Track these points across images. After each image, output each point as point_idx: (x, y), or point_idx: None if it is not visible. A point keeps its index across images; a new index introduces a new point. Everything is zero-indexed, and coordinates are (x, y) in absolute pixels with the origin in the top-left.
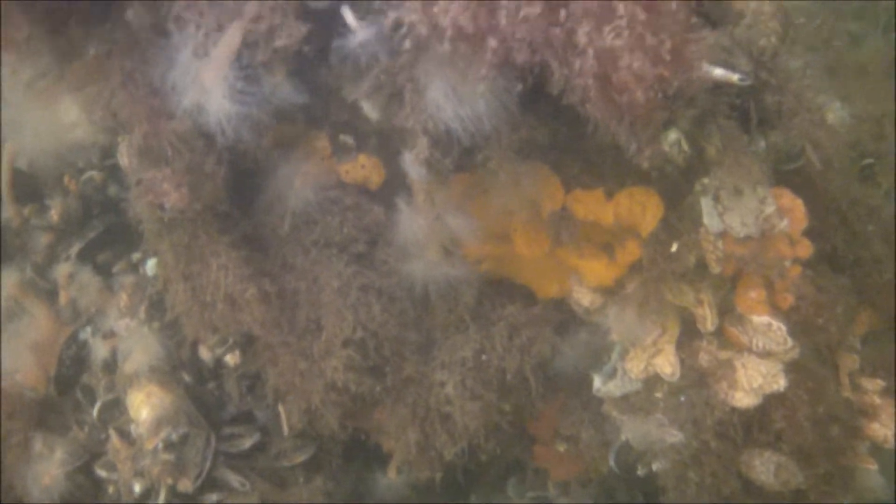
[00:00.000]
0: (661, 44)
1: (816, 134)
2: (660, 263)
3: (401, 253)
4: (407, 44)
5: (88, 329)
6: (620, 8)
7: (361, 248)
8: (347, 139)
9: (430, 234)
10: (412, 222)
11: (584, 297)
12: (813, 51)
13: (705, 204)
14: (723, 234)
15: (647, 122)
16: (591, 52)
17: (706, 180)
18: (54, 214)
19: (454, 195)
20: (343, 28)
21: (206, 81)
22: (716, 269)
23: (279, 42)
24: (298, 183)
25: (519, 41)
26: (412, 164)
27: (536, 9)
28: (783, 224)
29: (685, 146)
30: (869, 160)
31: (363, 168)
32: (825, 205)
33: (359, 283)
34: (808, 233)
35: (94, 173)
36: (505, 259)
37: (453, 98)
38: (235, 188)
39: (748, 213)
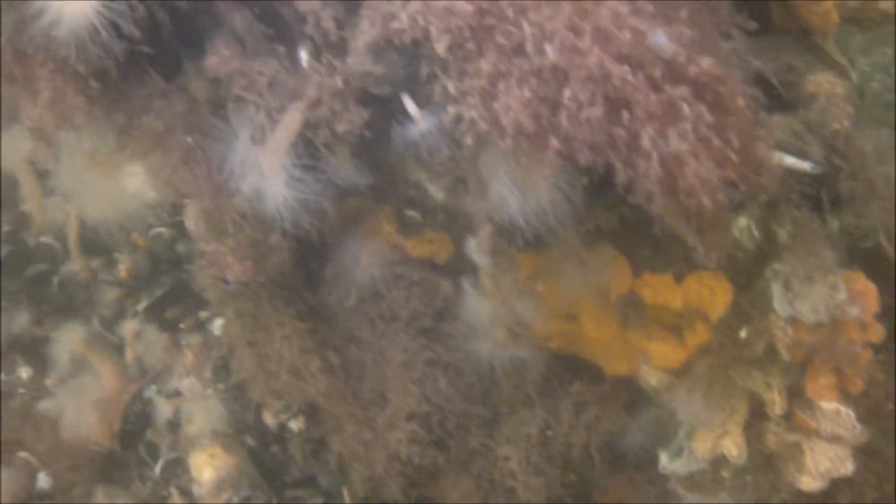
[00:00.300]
0: (729, 145)
1: (889, 221)
2: (729, 349)
3: (467, 331)
4: (468, 140)
5: (154, 387)
6: (686, 109)
7: (428, 323)
8: (414, 214)
9: (495, 317)
10: (478, 305)
11: (651, 377)
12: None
13: (776, 290)
14: (793, 321)
15: (714, 224)
16: (655, 156)
17: (777, 266)
18: (122, 270)
19: (521, 278)
20: (404, 115)
21: (265, 167)
22: (785, 355)
23: (340, 127)
24: (364, 258)
25: (581, 142)
26: (476, 251)
27: (599, 111)
28: (854, 311)
29: (755, 232)
30: None
31: (430, 243)
32: None
33: (425, 357)
34: (881, 314)
35: (162, 229)
36: (573, 336)
37: (516, 192)
38: (301, 260)
39: (819, 300)
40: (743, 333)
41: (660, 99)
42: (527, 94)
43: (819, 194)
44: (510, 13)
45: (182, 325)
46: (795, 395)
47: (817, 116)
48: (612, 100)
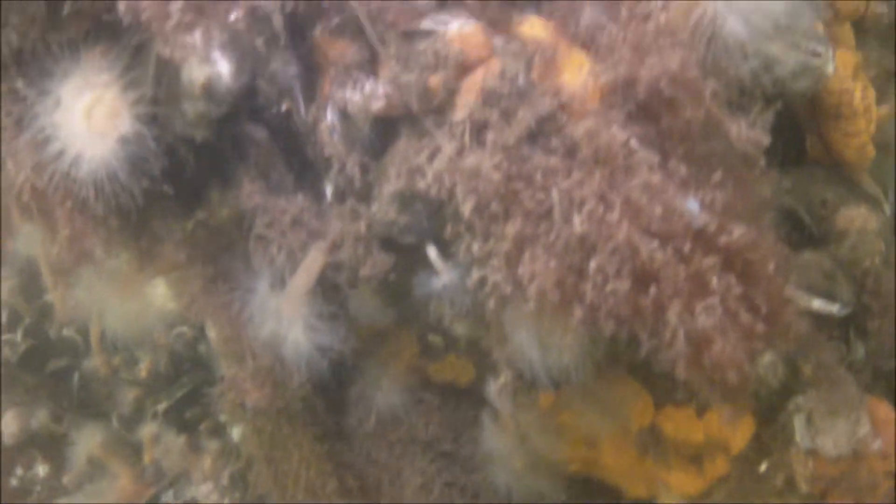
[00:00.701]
0: (757, 314)
1: None
2: (747, 483)
3: (485, 458)
4: (491, 303)
5: (171, 492)
6: (714, 282)
7: (447, 447)
8: (437, 339)
9: (513, 450)
10: (496, 437)
11: (670, 501)
12: None
13: (798, 424)
14: (813, 454)
15: (738, 392)
16: (681, 333)
17: (800, 400)
18: (143, 370)
19: (541, 412)
20: (428, 265)
21: (285, 313)
22: (805, 488)
23: (364, 272)
24: (385, 384)
25: (605, 313)
26: (496, 395)
27: (625, 284)
28: (876, 444)
29: (780, 370)
30: None
31: (452, 368)
32: None
33: (443, 479)
34: None
35: (184, 328)
36: (592, 462)
37: (538, 348)
38: (322, 383)
39: (841, 434)
40: (763, 467)
41: (688, 272)
42: (552, 263)
43: (847, 332)
44: (539, 178)
45: (201, 427)
46: None
47: (848, 253)
48: (640, 273)
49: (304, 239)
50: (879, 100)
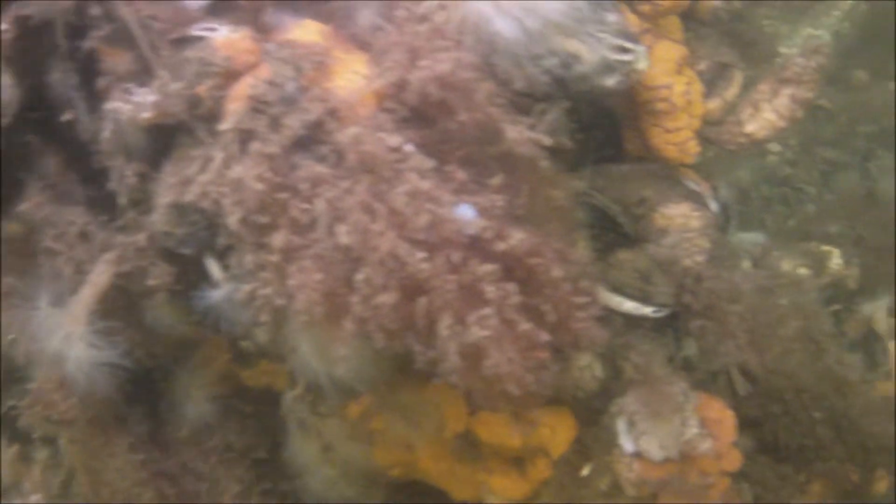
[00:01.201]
0: (541, 322)
1: (743, 358)
2: (570, 487)
3: (297, 469)
4: (263, 317)
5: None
6: (489, 292)
7: (263, 455)
8: (249, 345)
9: (322, 460)
10: (304, 448)
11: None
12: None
13: (620, 426)
14: (639, 457)
15: (528, 404)
16: (452, 346)
17: (622, 401)
18: None
19: (350, 418)
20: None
21: (68, 328)
22: (630, 491)
23: (151, 282)
24: (196, 392)
25: (376, 326)
26: (292, 403)
27: (392, 298)
28: (706, 445)
29: (597, 371)
30: (837, 307)
31: (266, 374)
32: (768, 392)
33: (261, 487)
34: (749, 423)
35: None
36: (414, 466)
37: (321, 360)
38: (134, 391)
39: (667, 436)
40: (585, 471)
41: (460, 282)
42: (318, 275)
43: (676, 329)
44: (305, 188)
45: (35, 435)
46: None
47: (668, 252)
48: (408, 285)
49: (91, 251)
50: (712, 93)
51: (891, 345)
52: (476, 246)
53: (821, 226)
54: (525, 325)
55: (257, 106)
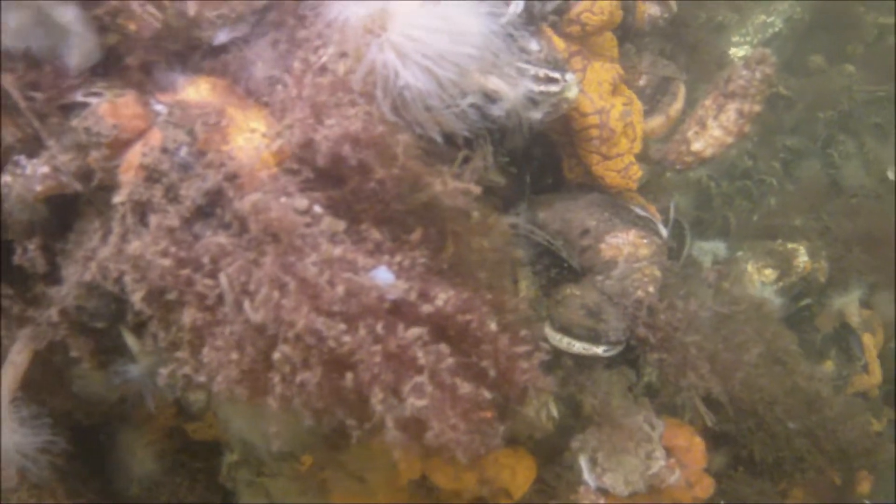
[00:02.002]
0: (482, 381)
1: (707, 387)
2: None
3: None
4: (190, 395)
5: None
6: (420, 357)
7: None
8: (197, 398)
9: None
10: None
11: None
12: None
13: (583, 463)
14: (605, 493)
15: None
16: (389, 421)
17: (583, 437)
18: None
19: (296, 479)
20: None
21: None
22: None
23: (72, 353)
24: (140, 450)
25: (302, 404)
26: (229, 472)
27: (315, 375)
28: (674, 477)
29: (553, 410)
30: (808, 301)
31: (212, 427)
32: (739, 409)
33: None
34: (722, 439)
35: None
36: None
37: (252, 431)
38: (79, 450)
39: (632, 471)
40: None
41: (387, 351)
42: (233, 354)
43: (637, 359)
44: (208, 262)
45: None
46: None
47: (617, 285)
48: (331, 360)
49: (9, 326)
50: (655, 109)
51: (866, 337)
52: (400, 310)
53: (785, 219)
54: (464, 388)
55: (151, 175)
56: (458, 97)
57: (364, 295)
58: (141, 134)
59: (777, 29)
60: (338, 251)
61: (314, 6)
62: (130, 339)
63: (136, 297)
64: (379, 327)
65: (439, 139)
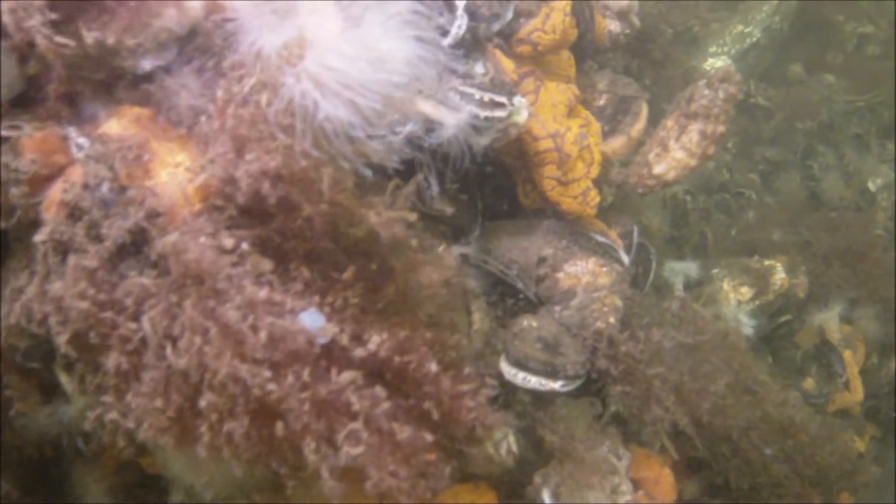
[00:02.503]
0: (423, 423)
1: (672, 419)
2: None
3: None
4: (119, 442)
5: None
6: (354, 403)
7: None
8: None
9: None
10: None
11: None
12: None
13: (546, 499)
14: None
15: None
16: (324, 472)
17: (545, 471)
18: None
19: None
20: None
21: None
22: None
23: (7, 393)
24: (93, 483)
25: (230, 454)
26: None
27: (242, 424)
28: None
29: (513, 445)
30: (787, 317)
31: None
32: (713, 436)
33: None
34: (695, 466)
35: None
36: None
37: (192, 475)
38: (31, 484)
39: None
40: None
41: (318, 398)
42: (158, 401)
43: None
44: (130, 304)
45: None
46: None
47: (576, 316)
48: (259, 409)
49: None
50: (616, 130)
51: (847, 354)
52: (332, 354)
53: (764, 233)
54: (404, 432)
55: (73, 212)
56: (385, 126)
57: (290, 340)
58: (62, 169)
59: (755, 39)
60: (263, 293)
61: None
62: (65, 380)
63: (61, 340)
64: (306, 374)
65: (368, 172)
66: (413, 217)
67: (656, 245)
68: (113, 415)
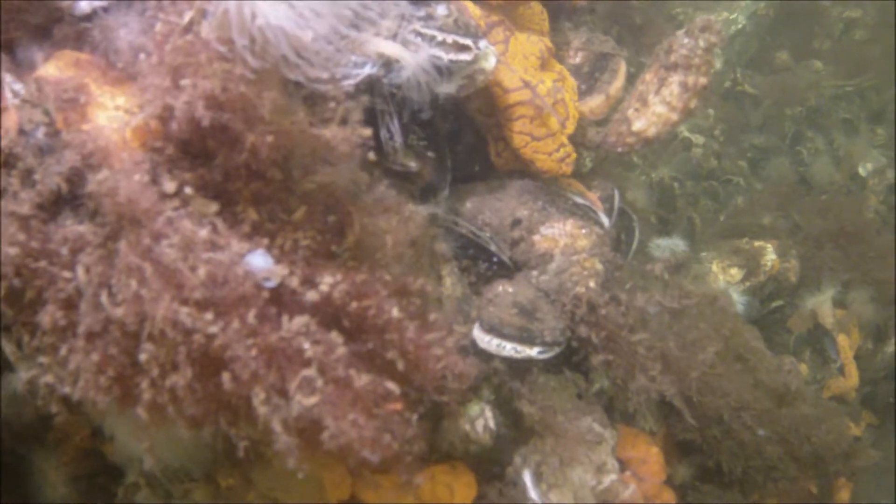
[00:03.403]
0: (386, 371)
1: (659, 389)
2: None
3: None
4: (52, 407)
5: None
6: (307, 349)
7: None
8: None
9: None
10: None
11: None
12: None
13: (527, 479)
14: None
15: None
16: (276, 425)
17: (525, 450)
18: None
19: (220, 495)
20: None
21: None
22: None
23: None
24: (53, 472)
25: (177, 412)
26: (127, 497)
27: (184, 377)
28: (629, 492)
29: (490, 422)
30: (779, 302)
31: None
32: (703, 416)
33: None
34: (686, 449)
35: None
36: None
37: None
38: None
39: (581, 487)
40: None
41: (267, 345)
42: (94, 357)
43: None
44: (66, 252)
45: None
46: None
47: (554, 280)
48: (203, 359)
49: None
50: (593, 89)
51: (841, 338)
52: (282, 299)
53: (753, 218)
54: (361, 379)
55: (7, 159)
56: (341, 69)
57: (235, 282)
58: None
59: (741, 25)
60: (203, 233)
61: None
62: (7, 348)
63: None
64: (252, 317)
65: (318, 87)
66: (367, 133)
67: (641, 224)
68: (48, 378)
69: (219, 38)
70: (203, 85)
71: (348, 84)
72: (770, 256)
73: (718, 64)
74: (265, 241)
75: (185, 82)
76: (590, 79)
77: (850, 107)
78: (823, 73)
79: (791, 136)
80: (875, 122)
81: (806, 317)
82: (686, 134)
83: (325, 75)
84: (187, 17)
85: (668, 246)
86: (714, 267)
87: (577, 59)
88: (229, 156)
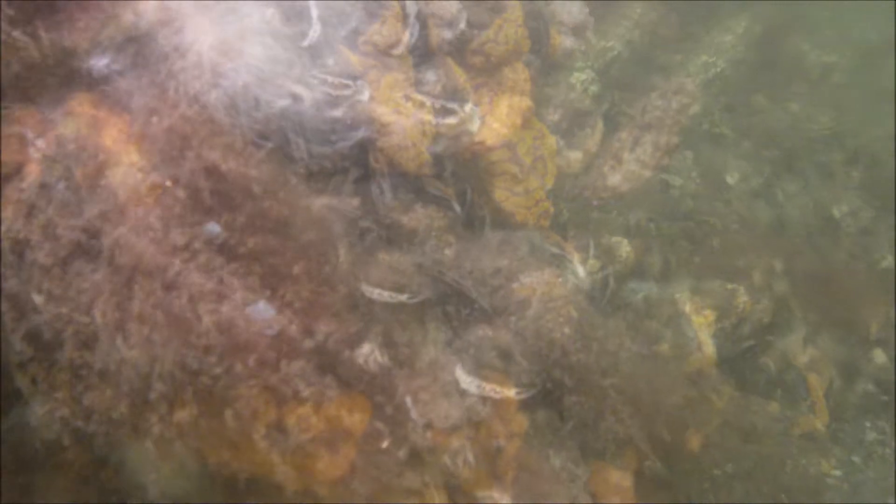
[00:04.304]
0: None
1: (627, 431)
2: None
3: None
4: (65, 440)
5: None
6: (304, 391)
7: None
8: None
9: None
10: None
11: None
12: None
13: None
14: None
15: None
16: (275, 458)
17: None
18: None
19: None
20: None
21: None
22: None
23: None
24: (53, 496)
25: (182, 446)
26: None
27: (190, 412)
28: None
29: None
30: (751, 342)
31: None
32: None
33: None
34: (656, 483)
35: None
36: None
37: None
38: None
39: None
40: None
41: (265, 386)
42: (108, 392)
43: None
44: (84, 299)
45: None
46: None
47: (532, 325)
48: (207, 397)
49: None
50: (573, 145)
51: (811, 377)
52: (279, 347)
53: (728, 259)
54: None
55: (30, 211)
56: (336, 134)
57: (239, 329)
58: (18, 168)
59: (719, 69)
60: (210, 285)
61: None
62: (22, 381)
63: (15, 339)
64: (251, 360)
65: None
66: (356, 202)
67: (617, 267)
68: (63, 412)
69: (226, 112)
70: (206, 157)
71: (343, 146)
72: (742, 298)
73: (697, 107)
74: (267, 292)
75: (190, 154)
76: (568, 134)
77: (826, 150)
78: (800, 115)
79: (767, 178)
80: (850, 165)
81: (778, 356)
82: (663, 175)
83: (325, 149)
84: (196, 87)
85: (643, 290)
86: (688, 308)
87: (556, 117)
88: (231, 217)
